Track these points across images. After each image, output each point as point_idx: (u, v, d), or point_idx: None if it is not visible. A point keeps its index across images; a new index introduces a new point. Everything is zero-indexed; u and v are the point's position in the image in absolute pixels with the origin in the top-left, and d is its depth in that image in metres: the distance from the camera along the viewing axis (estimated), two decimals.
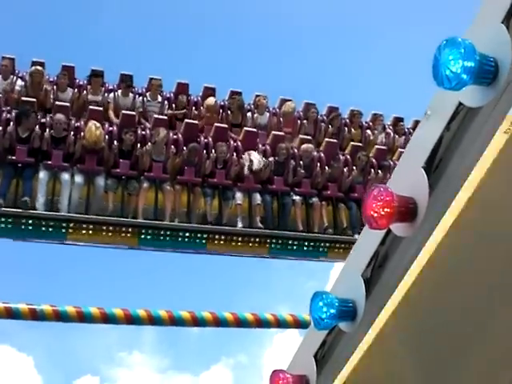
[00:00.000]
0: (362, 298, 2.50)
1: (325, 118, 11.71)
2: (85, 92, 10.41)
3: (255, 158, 9.87)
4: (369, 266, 2.52)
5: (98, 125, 9.28)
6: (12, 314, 8.65)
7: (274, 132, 10.43)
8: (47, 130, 9.15)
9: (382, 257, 2.50)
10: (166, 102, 10.82)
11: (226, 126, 10.26)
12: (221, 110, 10.94)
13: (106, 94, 10.52)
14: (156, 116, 9.90)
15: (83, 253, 9.66)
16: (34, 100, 9.40)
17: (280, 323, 9.56)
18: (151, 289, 17.66)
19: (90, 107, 9.66)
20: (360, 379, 2.55)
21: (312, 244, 9.83)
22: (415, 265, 2.23)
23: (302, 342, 2.97)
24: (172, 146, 9.64)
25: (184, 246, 9.30)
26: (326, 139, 10.71)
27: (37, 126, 9.08)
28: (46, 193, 8.98)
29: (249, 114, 11.19)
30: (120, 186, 9.40)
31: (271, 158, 10.07)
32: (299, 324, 9.44)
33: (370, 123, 11.97)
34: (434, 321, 2.38)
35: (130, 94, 10.56)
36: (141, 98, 10.75)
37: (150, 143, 9.52)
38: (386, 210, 2.27)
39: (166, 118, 9.96)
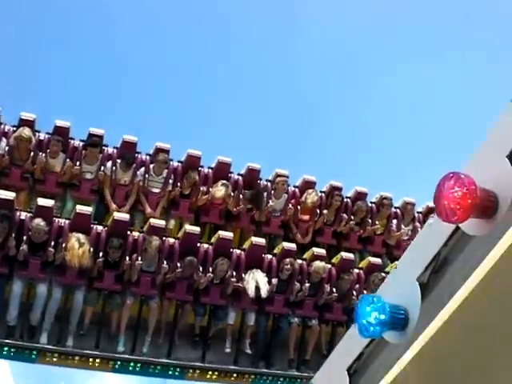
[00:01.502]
0: (417, 305, 2.21)
1: (349, 202, 10.40)
2: (78, 164, 9.15)
3: (261, 283, 8.81)
4: (426, 270, 2.23)
5: (83, 239, 8.12)
6: None
7: (284, 245, 9.21)
8: (24, 237, 8.09)
9: (442, 259, 2.21)
10: (171, 178, 9.55)
11: (231, 237, 9.04)
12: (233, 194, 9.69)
13: (102, 168, 9.26)
14: (153, 223, 8.66)
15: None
16: (12, 198, 8.17)
17: None
18: None
19: (77, 211, 8.40)
20: None
21: (298, 381, 9.10)
22: (484, 266, 1.95)
23: (335, 352, 2.70)
24: (164, 262, 8.59)
25: (159, 375, 8.66)
26: (343, 254, 9.48)
27: (13, 234, 8.02)
28: (19, 306, 8.15)
29: (264, 194, 9.94)
30: (101, 300, 8.54)
31: (275, 280, 9.00)
32: None
33: (399, 212, 10.65)
34: (499, 331, 2.08)
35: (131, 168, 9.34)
36: (142, 169, 9.49)
37: (140, 255, 8.47)
38: (468, 200, 1.97)
39: (163, 225, 8.74)
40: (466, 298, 2.00)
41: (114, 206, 9.33)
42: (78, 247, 8.13)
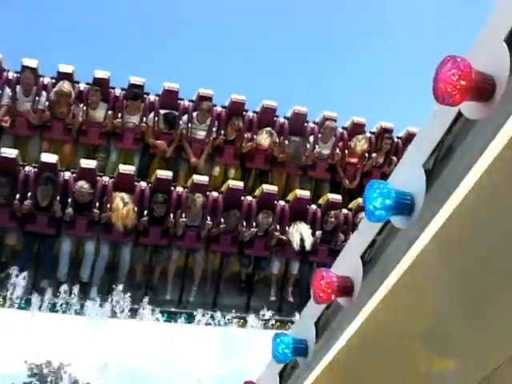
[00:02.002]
0: (422, 190, 2.23)
1: (400, 143, 9.98)
2: (119, 115, 9.00)
3: (305, 235, 8.77)
4: (431, 156, 2.24)
5: (127, 199, 8.19)
6: None
7: (330, 196, 9.02)
8: (69, 199, 8.19)
9: (447, 146, 2.20)
10: (215, 125, 9.31)
11: (275, 191, 8.89)
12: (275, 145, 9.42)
13: (144, 119, 9.08)
14: (196, 179, 8.56)
15: None
16: (55, 161, 8.18)
17: None
18: None
19: (120, 171, 8.39)
20: (411, 282, 2.32)
21: None
22: (489, 150, 1.92)
23: (350, 241, 2.80)
24: (208, 218, 8.59)
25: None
26: None
27: (57, 197, 8.13)
28: (68, 263, 8.44)
29: (311, 137, 9.63)
30: (148, 254, 8.72)
31: (319, 233, 8.92)
32: None
33: None
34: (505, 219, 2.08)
35: None
36: (185, 117, 9.26)
37: (184, 212, 8.49)
38: (462, 82, 1.94)
39: (206, 181, 8.63)
40: (475, 183, 1.93)
41: (162, 144, 9.20)
42: (122, 207, 8.20)
